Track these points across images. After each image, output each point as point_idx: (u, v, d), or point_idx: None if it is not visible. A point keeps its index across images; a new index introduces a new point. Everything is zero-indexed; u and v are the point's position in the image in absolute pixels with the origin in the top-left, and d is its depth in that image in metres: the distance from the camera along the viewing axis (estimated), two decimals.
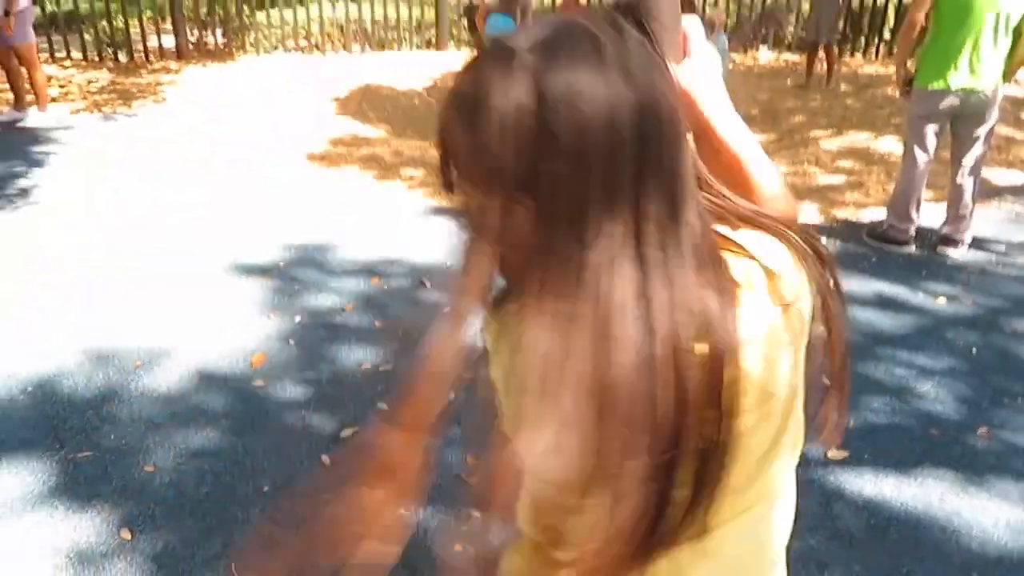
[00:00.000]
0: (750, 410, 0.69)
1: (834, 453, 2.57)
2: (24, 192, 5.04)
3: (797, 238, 0.73)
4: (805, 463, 2.22)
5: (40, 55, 8.61)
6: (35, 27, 6.84)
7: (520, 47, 0.61)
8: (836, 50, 9.29)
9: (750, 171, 0.82)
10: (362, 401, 2.79)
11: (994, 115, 4.09)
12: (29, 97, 6.77)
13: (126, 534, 2.15)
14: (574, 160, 0.59)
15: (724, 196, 0.73)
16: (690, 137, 0.71)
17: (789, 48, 10.91)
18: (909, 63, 4.36)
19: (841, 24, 9.69)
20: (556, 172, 0.60)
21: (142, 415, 2.70)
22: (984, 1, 3.83)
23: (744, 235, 0.72)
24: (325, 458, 2.49)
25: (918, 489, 2.41)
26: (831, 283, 0.74)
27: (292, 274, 3.88)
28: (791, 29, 10.97)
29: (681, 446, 0.63)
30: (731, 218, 0.73)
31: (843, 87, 8.67)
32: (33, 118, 6.64)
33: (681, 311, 0.61)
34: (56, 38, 9.33)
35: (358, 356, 3.11)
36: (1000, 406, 2.87)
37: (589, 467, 0.61)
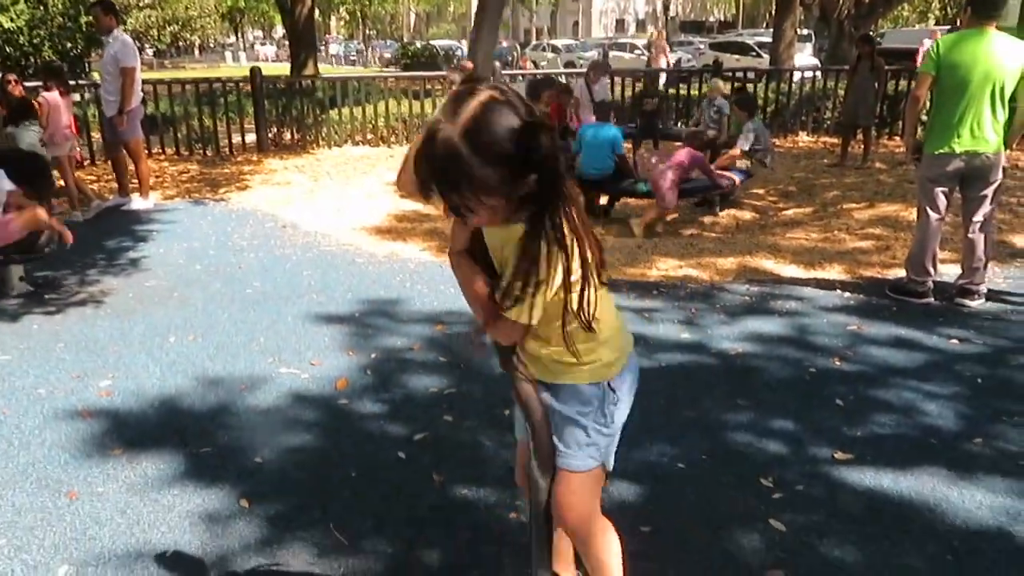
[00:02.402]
0: None
1: (840, 455, 2.94)
2: (133, 261, 5.78)
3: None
4: (812, 460, 2.65)
5: None
6: None
7: None
8: (873, 133, 9.81)
9: None
10: (431, 415, 3.27)
11: (998, 176, 4.50)
12: (132, 185, 7.65)
13: (244, 503, 2.65)
14: None
15: None
16: None
17: (827, 132, 11.46)
18: (918, 132, 4.84)
19: (877, 108, 10.24)
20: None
21: (249, 423, 3.23)
22: (979, 75, 4.30)
23: None
24: (401, 454, 2.96)
25: (914, 481, 2.76)
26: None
27: (367, 322, 4.43)
28: (828, 114, 11.53)
29: None
30: None
31: (878, 165, 9.12)
32: (136, 203, 7.50)
33: None
34: (152, 137, 10.41)
35: (426, 383, 3.61)
36: (998, 423, 3.20)
37: None
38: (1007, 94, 4.35)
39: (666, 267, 5.54)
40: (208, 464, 2.91)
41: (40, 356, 3.97)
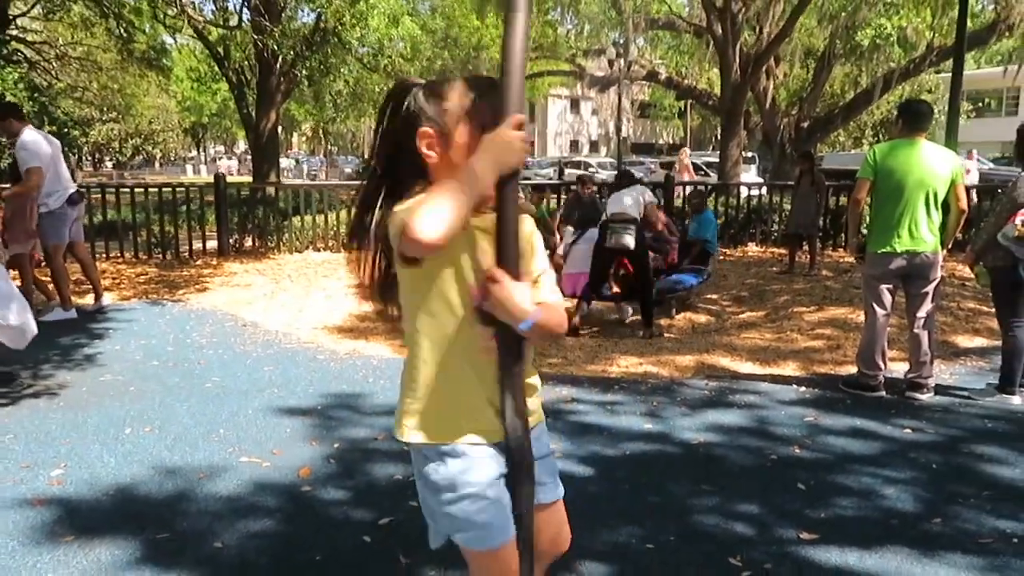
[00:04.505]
0: None
1: (805, 535, 2.97)
2: (88, 357, 5.66)
3: None
4: (779, 540, 2.67)
5: (96, 255, 9.63)
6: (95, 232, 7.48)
7: None
8: (818, 243, 10.26)
9: None
10: (396, 501, 3.22)
11: (938, 274, 4.75)
12: (85, 288, 7.57)
13: None
14: None
15: None
16: None
17: (775, 243, 11.93)
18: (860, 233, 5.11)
19: (821, 221, 10.74)
20: None
21: (208, 510, 3.14)
22: (913, 181, 4.61)
23: None
24: (366, 538, 2.90)
25: (878, 559, 2.79)
26: None
27: (330, 414, 4.39)
28: (776, 226, 12.05)
29: None
30: None
31: (825, 273, 9.49)
32: (55, 314, 6.86)
33: None
34: (112, 242, 10.41)
35: (391, 470, 3.56)
36: (955, 504, 3.27)
37: None
38: (939, 198, 4.66)
39: (626, 364, 5.63)
40: (165, 549, 2.81)
41: None
